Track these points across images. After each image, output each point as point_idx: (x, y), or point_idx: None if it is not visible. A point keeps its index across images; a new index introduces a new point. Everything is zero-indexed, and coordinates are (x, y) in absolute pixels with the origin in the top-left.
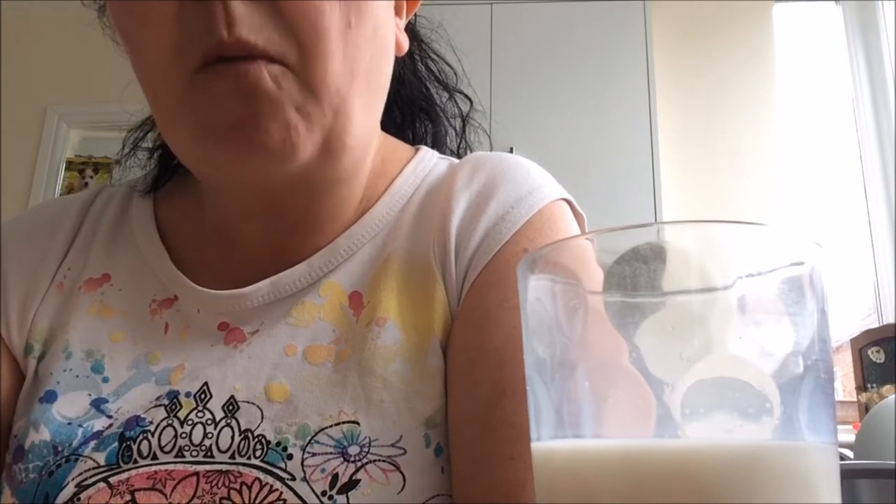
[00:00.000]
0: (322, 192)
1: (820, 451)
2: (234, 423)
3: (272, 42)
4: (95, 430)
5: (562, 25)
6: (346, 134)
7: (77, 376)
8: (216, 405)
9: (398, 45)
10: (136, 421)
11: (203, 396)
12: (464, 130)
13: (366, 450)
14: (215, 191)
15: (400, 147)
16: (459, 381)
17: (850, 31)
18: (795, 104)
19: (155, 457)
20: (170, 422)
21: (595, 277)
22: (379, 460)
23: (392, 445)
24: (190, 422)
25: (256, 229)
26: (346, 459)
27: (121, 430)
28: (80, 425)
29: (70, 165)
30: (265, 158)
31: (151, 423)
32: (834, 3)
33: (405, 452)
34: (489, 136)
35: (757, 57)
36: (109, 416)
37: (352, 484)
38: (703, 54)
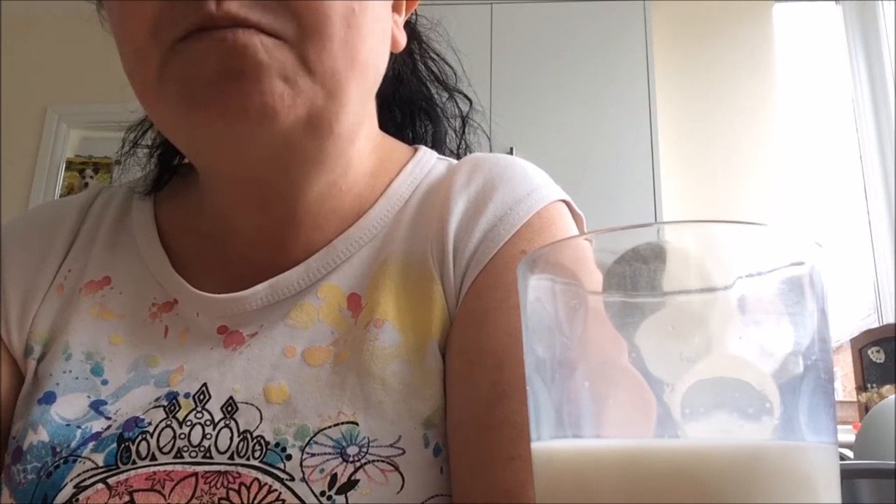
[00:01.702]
0: (307, 177)
1: (820, 451)
2: (232, 424)
3: (267, 19)
4: (94, 430)
5: (562, 25)
6: (335, 119)
7: (76, 378)
8: (215, 406)
9: (395, 42)
10: (134, 422)
11: (202, 397)
12: (463, 131)
13: (364, 450)
14: (210, 181)
15: (398, 147)
16: (459, 382)
17: (850, 31)
18: (795, 104)
19: (154, 458)
20: (168, 423)
21: (595, 277)
22: (378, 460)
23: (391, 446)
24: (189, 423)
25: (251, 222)
26: (344, 460)
27: (119, 430)
28: (79, 426)
29: (70, 165)
30: (244, 122)
31: (150, 423)
32: (834, 3)
33: (404, 452)
34: (489, 137)
35: (757, 57)
36: (108, 418)
37: (351, 484)
38: (703, 54)
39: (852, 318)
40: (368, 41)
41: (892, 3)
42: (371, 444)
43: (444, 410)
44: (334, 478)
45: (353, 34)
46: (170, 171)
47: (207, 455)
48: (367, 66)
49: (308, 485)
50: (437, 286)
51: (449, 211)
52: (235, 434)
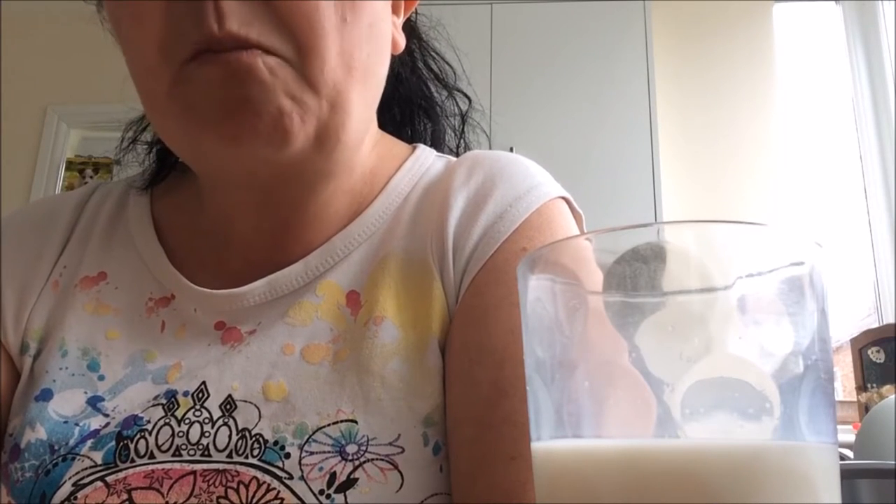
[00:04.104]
0: (313, 185)
1: (820, 451)
2: (231, 422)
3: (265, 36)
4: (92, 428)
5: (562, 25)
6: (342, 129)
7: (73, 374)
8: (213, 404)
9: (395, 44)
10: (133, 420)
11: (201, 395)
12: (463, 129)
13: (364, 448)
14: (210, 184)
15: (396, 145)
16: (459, 380)
17: (850, 31)
18: (795, 104)
19: (152, 456)
20: (167, 421)
21: (595, 278)
22: (377, 459)
23: (390, 444)
24: (187, 421)
25: (251, 224)
26: (343, 458)
27: (118, 428)
28: (77, 424)
29: (70, 165)
30: (256, 146)
31: (149, 422)
32: (834, 3)
33: (403, 451)
34: (489, 136)
35: (757, 57)
36: (106, 415)
37: (350, 483)
38: (703, 54)
39: (852, 318)
40: (365, 47)
41: (892, 3)
42: (370, 443)
43: (444, 408)
44: (333, 476)
45: (348, 42)
46: (168, 166)
47: (206, 453)
48: (366, 72)
49: (307, 483)
50: (437, 283)
51: (449, 208)
52: (234, 432)
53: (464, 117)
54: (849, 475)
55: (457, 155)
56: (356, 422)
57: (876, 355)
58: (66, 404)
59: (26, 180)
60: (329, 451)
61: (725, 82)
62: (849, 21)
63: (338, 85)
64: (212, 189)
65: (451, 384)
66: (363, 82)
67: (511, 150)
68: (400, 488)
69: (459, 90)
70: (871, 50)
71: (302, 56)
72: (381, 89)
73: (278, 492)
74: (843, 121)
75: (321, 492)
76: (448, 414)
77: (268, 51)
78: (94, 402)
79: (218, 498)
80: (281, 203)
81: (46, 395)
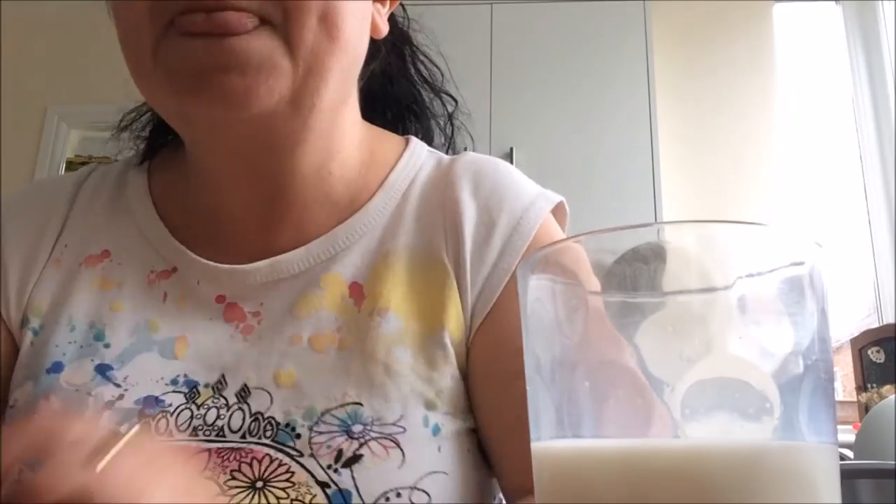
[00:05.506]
0: (292, 153)
1: (820, 451)
2: (245, 406)
3: (254, 4)
4: (106, 399)
5: (562, 25)
6: (317, 94)
7: (80, 346)
8: (230, 393)
9: (377, 28)
10: (154, 401)
11: (220, 386)
12: (452, 132)
13: (368, 428)
14: (197, 153)
15: (388, 138)
16: (495, 396)
17: (850, 31)
18: (795, 104)
19: (171, 434)
20: (188, 406)
21: (595, 278)
22: (381, 437)
23: (393, 424)
24: (205, 406)
25: (238, 199)
26: (350, 437)
27: (139, 406)
28: (89, 393)
29: (70, 165)
30: (234, 108)
31: (170, 405)
32: (834, 3)
33: (405, 431)
34: (489, 137)
35: (757, 57)
36: (117, 385)
37: (355, 458)
38: (703, 54)
39: (852, 318)
40: (350, 19)
41: (892, 3)
42: (374, 423)
43: (446, 393)
44: (340, 453)
45: (333, 12)
46: (162, 138)
47: (221, 434)
48: (346, 44)
49: (316, 459)
50: (452, 283)
51: (460, 215)
52: (247, 415)
53: (451, 118)
54: (849, 475)
55: (446, 152)
56: (361, 404)
57: (876, 355)
58: (74, 374)
59: (26, 180)
60: (336, 431)
61: (725, 82)
62: (849, 21)
63: (316, 50)
64: (199, 162)
65: (489, 399)
66: (343, 52)
67: (511, 150)
68: (401, 464)
69: (447, 93)
70: (871, 50)
71: (286, 18)
72: (359, 66)
73: (289, 467)
74: (843, 121)
75: (329, 466)
76: (486, 428)
77: (253, 12)
78: (103, 371)
79: (232, 471)
80: (265, 175)
81: (58, 368)
